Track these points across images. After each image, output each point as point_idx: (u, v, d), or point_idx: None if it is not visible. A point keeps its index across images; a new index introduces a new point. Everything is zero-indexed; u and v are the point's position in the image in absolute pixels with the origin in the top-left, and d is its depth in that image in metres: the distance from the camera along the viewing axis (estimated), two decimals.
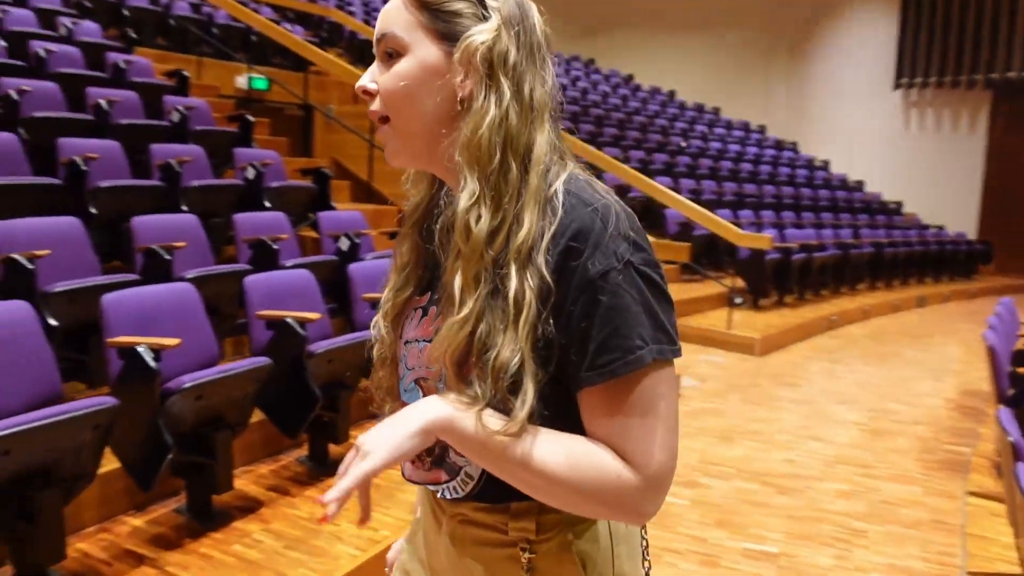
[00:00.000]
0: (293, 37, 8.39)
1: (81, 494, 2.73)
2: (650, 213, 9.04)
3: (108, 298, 3.08)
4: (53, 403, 2.65)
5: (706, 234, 8.55)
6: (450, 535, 1.05)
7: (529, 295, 0.88)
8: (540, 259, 0.89)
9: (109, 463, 2.91)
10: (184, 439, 2.96)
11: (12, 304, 2.84)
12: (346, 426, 3.73)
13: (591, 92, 13.87)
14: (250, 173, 5.52)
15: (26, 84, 5.20)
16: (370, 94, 0.97)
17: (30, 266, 3.45)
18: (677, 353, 0.92)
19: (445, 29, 0.94)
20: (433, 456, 1.02)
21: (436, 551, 1.09)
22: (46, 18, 6.89)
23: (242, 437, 3.39)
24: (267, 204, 5.43)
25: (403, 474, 1.07)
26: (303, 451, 3.78)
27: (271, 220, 4.93)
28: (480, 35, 0.92)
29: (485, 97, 0.92)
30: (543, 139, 0.93)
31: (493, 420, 0.89)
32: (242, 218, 4.74)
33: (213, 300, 3.71)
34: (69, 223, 3.94)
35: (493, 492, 0.98)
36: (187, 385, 2.86)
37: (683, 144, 12.70)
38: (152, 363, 2.83)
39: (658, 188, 7.90)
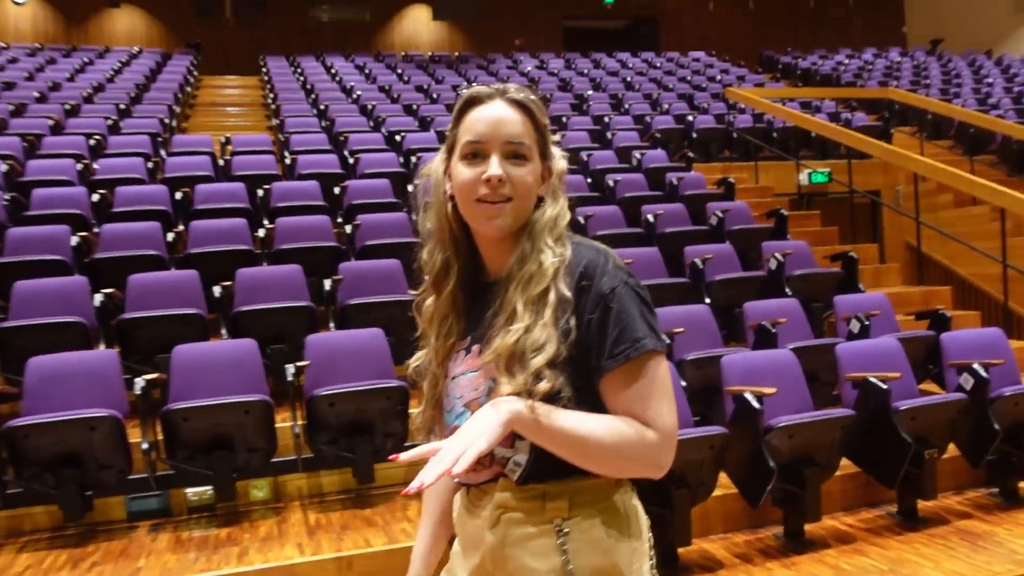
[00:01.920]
0: (849, 133, 8.47)
1: (707, 503, 3.66)
2: None
3: (726, 359, 4.01)
4: None
5: None
6: (494, 528, 1.27)
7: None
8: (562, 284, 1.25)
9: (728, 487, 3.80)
10: (782, 470, 3.58)
11: None
12: (933, 485, 3.92)
13: None
14: (772, 264, 5.88)
15: (590, 210, 6.51)
16: (502, 181, 1.28)
17: (668, 341, 4.47)
18: (665, 347, 1.26)
19: (542, 150, 1.35)
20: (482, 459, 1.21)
21: (476, 553, 1.31)
22: (623, 154, 8.41)
23: (836, 483, 3.99)
24: (788, 291, 5.69)
25: (457, 480, 1.36)
26: (893, 507, 4.07)
27: (783, 306, 5.19)
28: (561, 161, 1.37)
29: (557, 197, 1.35)
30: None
31: (543, 405, 1.20)
32: (753, 306, 5.13)
33: (809, 367, 4.28)
34: (703, 311, 5.03)
35: (538, 473, 1.25)
36: (782, 424, 3.57)
37: None
38: (756, 404, 3.56)
39: None
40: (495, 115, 1.29)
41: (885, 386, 3.83)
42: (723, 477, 3.75)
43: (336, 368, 4.04)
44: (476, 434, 1.15)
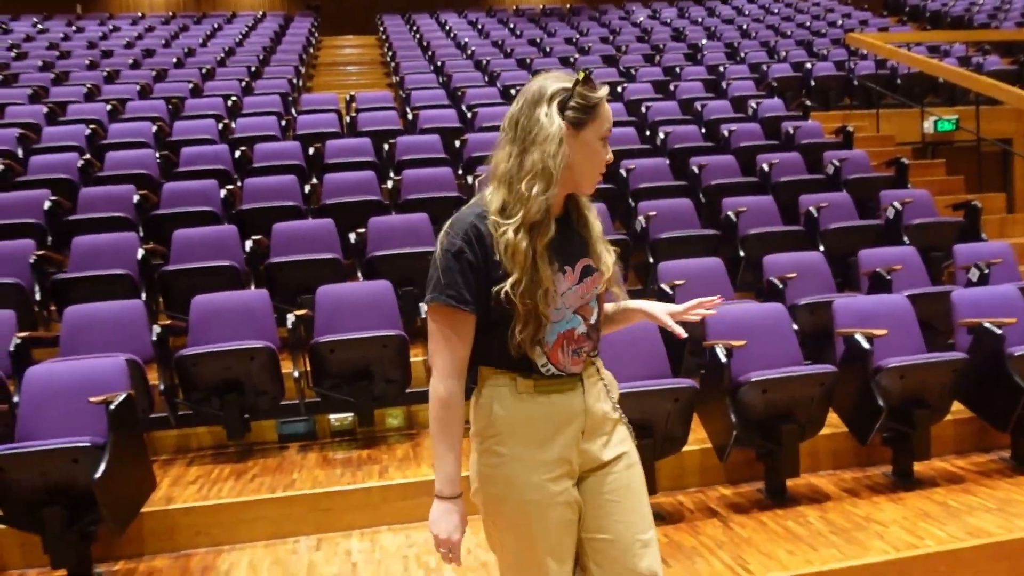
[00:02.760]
0: (977, 78, 8.12)
1: (816, 441, 3.84)
2: None
3: (838, 303, 4.12)
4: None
5: None
6: (589, 396, 1.76)
7: None
8: None
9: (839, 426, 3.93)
10: (892, 411, 3.69)
11: (773, 307, 4.12)
12: None
13: None
14: (890, 213, 5.81)
15: (704, 160, 6.56)
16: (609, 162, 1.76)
17: (781, 286, 4.70)
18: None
19: None
20: (595, 346, 1.80)
21: (574, 424, 1.73)
22: (738, 103, 8.34)
23: (948, 427, 4.10)
24: (905, 240, 5.64)
25: (568, 371, 1.73)
26: (1006, 452, 4.11)
27: (900, 253, 5.17)
28: None
29: None
30: None
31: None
32: (867, 253, 5.14)
33: (924, 315, 4.31)
34: (817, 258, 5.14)
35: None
36: (892, 365, 3.66)
37: None
38: (866, 345, 3.69)
39: None
40: (610, 113, 1.74)
41: (1000, 331, 3.82)
42: (834, 419, 3.87)
43: None
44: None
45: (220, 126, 7.57)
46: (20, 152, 6.95)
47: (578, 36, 12.30)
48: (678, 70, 9.83)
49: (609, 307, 1.92)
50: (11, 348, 4.15)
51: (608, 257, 1.77)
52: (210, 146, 7.00)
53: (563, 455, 1.71)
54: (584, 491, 1.76)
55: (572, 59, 10.29)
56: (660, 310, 1.91)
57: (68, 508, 3.18)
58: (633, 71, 9.75)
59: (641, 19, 13.56)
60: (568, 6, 15.59)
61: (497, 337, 1.66)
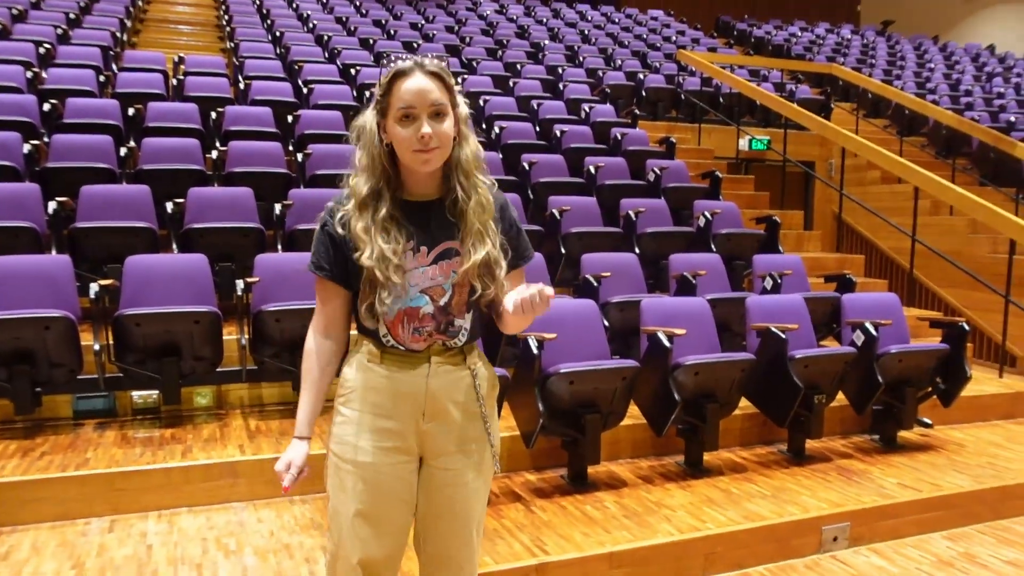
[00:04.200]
0: (788, 105, 8.82)
1: (617, 431, 4.09)
2: None
3: (645, 302, 4.34)
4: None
5: None
6: (433, 378, 1.81)
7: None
8: None
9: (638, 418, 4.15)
10: (687, 405, 3.98)
11: (586, 303, 4.29)
12: (819, 426, 4.34)
13: None
14: (701, 221, 6.25)
15: (535, 158, 6.76)
16: (431, 136, 1.71)
17: (596, 284, 4.93)
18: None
19: (453, 102, 1.77)
20: (440, 328, 1.81)
21: (411, 401, 1.81)
22: (573, 105, 8.65)
23: (736, 421, 4.49)
24: (713, 248, 6.08)
25: (407, 346, 1.80)
26: (784, 445, 4.55)
27: (706, 260, 5.57)
28: (464, 107, 1.81)
29: (468, 136, 1.81)
30: None
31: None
32: (677, 258, 5.49)
33: (722, 318, 4.72)
34: (632, 259, 5.40)
35: (469, 336, 1.86)
36: (688, 362, 3.95)
37: None
38: (666, 343, 3.92)
39: None
40: (419, 86, 1.71)
41: (784, 335, 4.23)
42: (635, 411, 4.13)
43: (283, 287, 4.26)
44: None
45: (29, 75, 6.96)
46: None
47: (424, 22, 12.28)
48: (519, 67, 10.04)
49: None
50: None
51: (479, 249, 1.77)
52: (15, 95, 6.42)
53: (398, 429, 1.81)
54: (422, 478, 1.87)
55: (416, 44, 10.26)
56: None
57: None
58: (475, 63, 9.87)
59: (488, 12, 13.72)
60: None
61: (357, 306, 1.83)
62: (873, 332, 4.49)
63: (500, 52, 10.85)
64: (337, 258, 1.80)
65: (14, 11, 9.02)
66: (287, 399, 4.43)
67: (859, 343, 4.52)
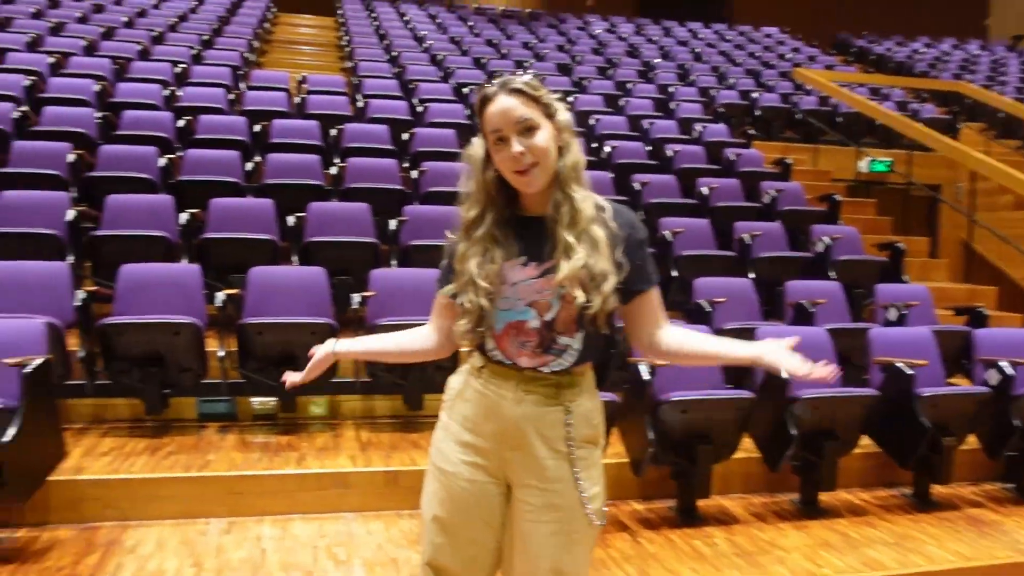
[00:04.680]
0: (912, 124, 8.46)
1: (729, 464, 3.91)
2: None
3: (760, 331, 4.25)
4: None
5: None
6: (521, 406, 1.76)
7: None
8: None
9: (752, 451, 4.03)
10: (804, 440, 3.85)
11: (701, 330, 4.07)
12: (948, 471, 4.10)
13: None
14: (819, 247, 6.03)
15: (646, 178, 6.69)
16: (523, 154, 1.69)
17: (709, 309, 4.86)
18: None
19: (547, 113, 1.74)
20: (544, 345, 1.74)
21: (496, 422, 1.77)
22: (685, 125, 8.53)
23: (855, 460, 4.24)
24: (831, 275, 5.86)
25: (518, 363, 1.76)
26: (908, 489, 4.29)
27: (825, 287, 5.37)
28: (564, 114, 1.76)
29: (570, 145, 1.76)
30: None
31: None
32: (794, 284, 5.32)
33: (842, 349, 4.50)
34: (746, 284, 5.30)
35: (579, 359, 1.77)
36: (807, 396, 3.81)
37: None
38: (783, 374, 3.71)
39: None
40: (502, 106, 1.70)
41: (911, 371, 4.02)
42: (748, 443, 4.00)
43: (397, 301, 4.35)
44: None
45: (166, 93, 7.38)
46: None
47: (535, 41, 12.37)
48: (629, 86, 9.99)
49: (682, 339, 1.84)
50: None
51: (573, 259, 1.70)
52: (154, 112, 6.83)
53: (482, 447, 1.80)
54: (509, 505, 1.82)
55: (527, 63, 10.35)
56: (776, 359, 1.75)
57: None
58: (586, 82, 9.87)
59: (598, 31, 13.72)
60: (528, 11, 15.68)
61: None
62: (1009, 371, 4.21)
63: (611, 71, 10.83)
64: (450, 279, 1.85)
65: (153, 33, 9.60)
66: (398, 412, 4.51)
67: (993, 383, 4.25)
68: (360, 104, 7.96)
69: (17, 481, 3.13)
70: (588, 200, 1.74)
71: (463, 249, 1.78)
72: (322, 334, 4.11)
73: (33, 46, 8.36)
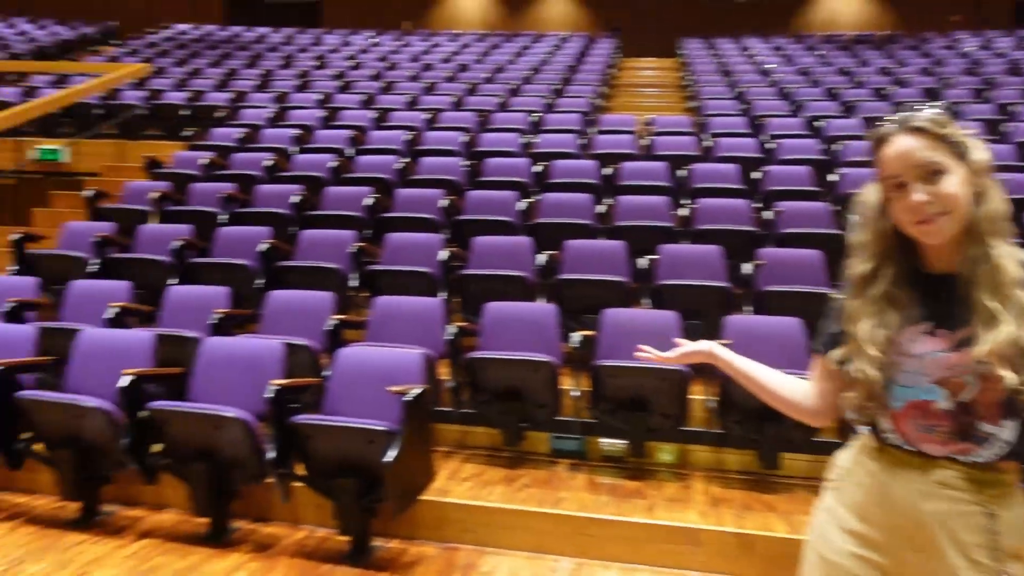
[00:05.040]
0: None
1: None
2: None
3: None
4: None
5: None
6: (930, 500, 1.48)
7: None
8: None
9: None
10: None
11: None
12: None
13: None
14: None
15: None
16: (927, 204, 1.46)
17: None
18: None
19: (958, 154, 1.48)
20: (959, 432, 1.48)
21: (895, 516, 1.51)
22: None
23: None
24: None
25: (916, 447, 1.51)
26: None
27: None
28: (980, 154, 1.49)
29: (987, 190, 1.49)
30: None
31: None
32: None
33: None
34: None
35: (1009, 453, 1.47)
36: None
37: None
38: None
39: None
40: (901, 148, 1.48)
41: None
42: None
43: (754, 350, 4.09)
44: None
45: (523, 140, 7.90)
46: (350, 151, 7.75)
47: (895, 66, 11.36)
48: (1012, 109, 8.71)
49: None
50: (328, 328, 4.59)
51: (997, 330, 1.42)
52: (512, 158, 7.33)
53: (875, 540, 1.55)
54: None
55: (886, 92, 9.52)
56: None
57: (359, 482, 3.43)
58: (960, 108, 8.79)
59: (969, 49, 12.24)
60: (884, 33, 14.50)
61: None
62: None
63: (989, 92, 9.55)
64: (835, 340, 1.63)
65: (510, 86, 10.40)
66: (750, 468, 4.25)
67: None
68: (707, 143, 7.85)
69: (396, 496, 3.43)
70: (1011, 257, 1.46)
71: (854, 309, 1.57)
72: (673, 380, 4.03)
73: (411, 105, 9.46)
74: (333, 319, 4.63)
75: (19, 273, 5.58)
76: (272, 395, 3.55)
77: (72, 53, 13.47)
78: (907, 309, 1.53)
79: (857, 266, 1.59)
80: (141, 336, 4.19)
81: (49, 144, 8.66)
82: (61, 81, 10.53)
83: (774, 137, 7.68)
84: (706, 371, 4.33)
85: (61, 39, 13.68)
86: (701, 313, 4.75)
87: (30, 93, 9.93)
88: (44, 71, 11.05)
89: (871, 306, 1.55)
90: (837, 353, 1.60)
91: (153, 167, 7.65)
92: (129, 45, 13.98)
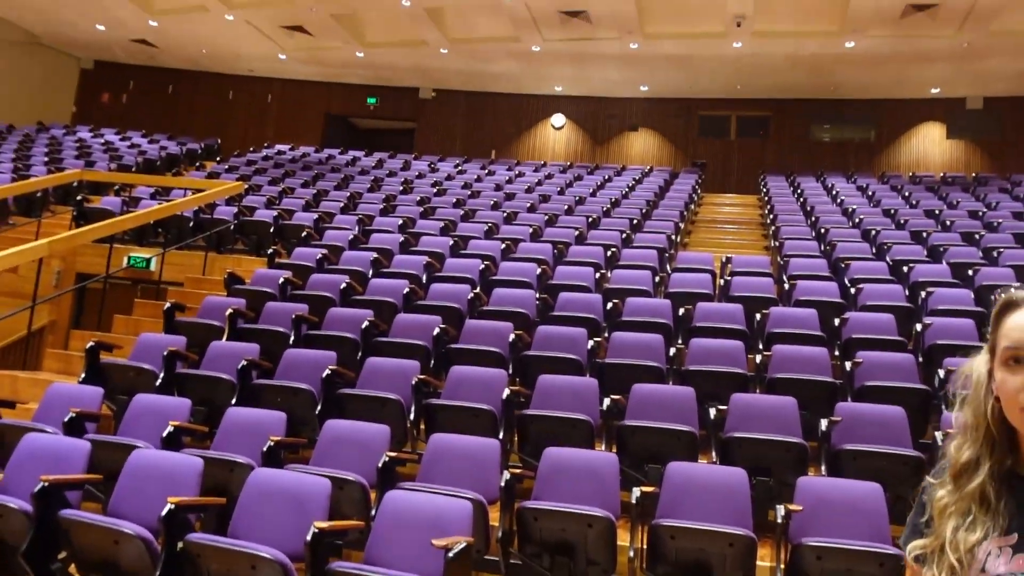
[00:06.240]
0: None
1: None
2: None
3: None
4: None
5: None
6: None
7: None
8: None
9: None
10: None
11: None
12: None
13: None
14: None
15: None
16: None
17: None
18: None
19: None
20: None
21: None
22: None
23: None
24: None
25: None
26: None
27: None
28: None
29: None
30: None
31: None
32: None
33: None
34: None
35: None
36: None
37: None
38: None
39: None
40: None
41: None
42: None
43: (827, 516, 3.81)
44: None
45: (597, 275, 7.86)
46: (424, 278, 7.84)
47: (985, 210, 11.02)
48: None
49: None
50: (381, 464, 4.47)
51: None
52: (586, 294, 7.26)
53: None
54: None
55: (977, 236, 9.20)
56: None
57: None
58: None
59: None
60: (974, 175, 14.19)
61: None
62: None
63: None
64: (920, 532, 1.42)
65: (589, 219, 10.48)
66: None
67: None
68: (786, 286, 7.64)
69: None
70: None
71: (944, 502, 1.36)
72: (739, 546, 3.73)
73: (490, 233, 9.61)
74: (387, 455, 4.52)
75: (86, 381, 5.71)
76: (311, 538, 3.43)
77: (177, 167, 14.37)
78: (997, 515, 1.32)
79: (957, 451, 1.38)
80: (191, 461, 4.16)
81: (140, 252, 9.08)
82: (163, 192, 11.17)
83: (856, 281, 7.43)
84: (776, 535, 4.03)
85: (168, 153, 14.61)
86: (773, 471, 4.46)
87: (131, 203, 10.54)
88: (144, 183, 11.76)
89: (963, 503, 1.35)
90: (918, 544, 1.39)
91: (233, 283, 7.89)
92: (230, 162, 14.85)
